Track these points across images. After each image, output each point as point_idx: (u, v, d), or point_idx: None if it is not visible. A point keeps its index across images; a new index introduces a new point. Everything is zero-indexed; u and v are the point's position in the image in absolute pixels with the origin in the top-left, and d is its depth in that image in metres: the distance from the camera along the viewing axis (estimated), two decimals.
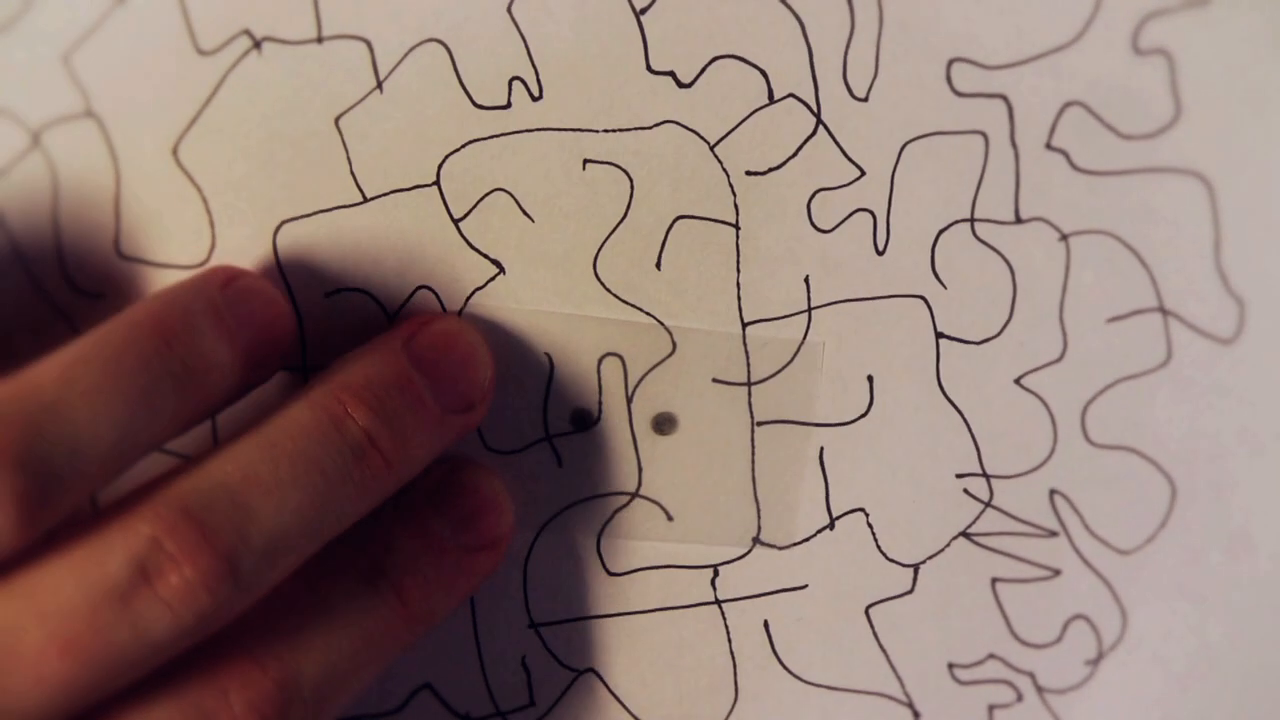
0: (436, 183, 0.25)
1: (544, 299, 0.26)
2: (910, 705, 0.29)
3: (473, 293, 0.25)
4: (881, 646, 0.28)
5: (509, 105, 0.25)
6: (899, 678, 0.29)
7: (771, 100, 0.25)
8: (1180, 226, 0.26)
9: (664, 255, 0.26)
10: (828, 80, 0.25)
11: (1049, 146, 0.26)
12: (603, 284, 0.26)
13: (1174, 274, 0.27)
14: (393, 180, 0.25)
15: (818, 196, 0.26)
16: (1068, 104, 0.25)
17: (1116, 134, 0.26)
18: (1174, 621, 0.29)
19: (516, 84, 0.24)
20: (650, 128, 0.25)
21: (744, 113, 0.25)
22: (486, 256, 0.25)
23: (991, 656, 0.29)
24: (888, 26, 0.25)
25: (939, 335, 0.27)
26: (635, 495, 0.27)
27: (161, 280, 0.24)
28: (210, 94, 0.24)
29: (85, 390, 0.20)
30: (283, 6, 0.24)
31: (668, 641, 0.28)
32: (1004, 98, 0.25)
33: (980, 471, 0.28)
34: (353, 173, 0.24)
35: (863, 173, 0.26)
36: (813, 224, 0.26)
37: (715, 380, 0.27)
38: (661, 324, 0.26)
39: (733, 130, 0.25)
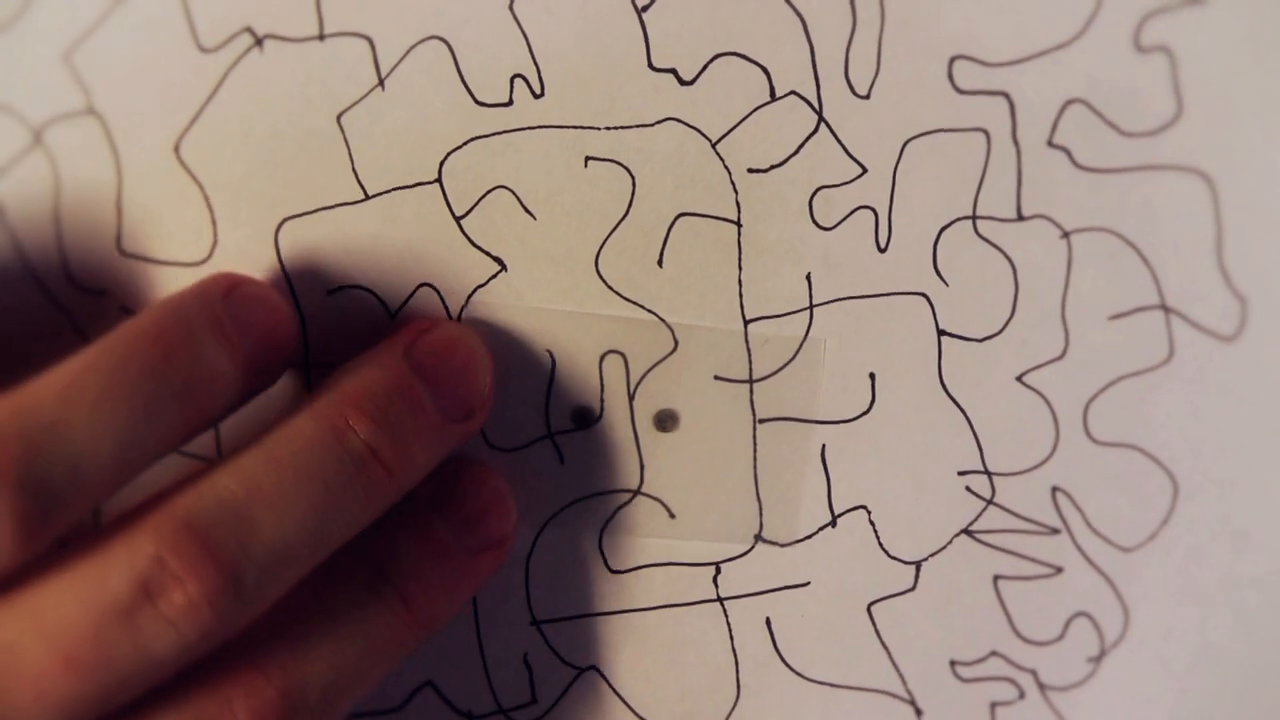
0: (438, 180, 0.25)
1: (546, 296, 0.26)
2: (912, 702, 0.29)
3: (474, 290, 0.25)
4: (883, 644, 0.28)
5: (511, 103, 0.25)
6: (901, 675, 0.29)
7: (773, 97, 0.25)
8: (1182, 224, 0.26)
9: (666, 252, 0.26)
10: (829, 78, 0.25)
11: (1051, 144, 0.26)
12: (604, 281, 0.26)
13: (1176, 271, 0.27)
14: (394, 178, 0.25)
15: (819, 194, 0.26)
16: (1069, 101, 0.25)
17: (1118, 131, 0.26)
18: (1176, 619, 0.29)
19: (518, 81, 0.24)
20: (652, 125, 0.25)
21: (746, 110, 0.25)
22: (488, 254, 0.25)
23: (993, 654, 0.29)
24: (889, 24, 0.25)
25: (941, 332, 0.27)
26: (637, 492, 0.27)
27: (163, 277, 0.24)
28: (212, 91, 0.24)
29: (85, 406, 0.20)
30: (284, 4, 0.23)
31: (670, 639, 0.28)
32: (1006, 95, 0.25)
33: (982, 469, 0.28)
34: (354, 170, 0.24)
35: (864, 170, 0.26)
36: (814, 221, 0.26)
37: (717, 377, 0.27)
38: (663, 321, 0.26)
39: (734, 127, 0.25)
